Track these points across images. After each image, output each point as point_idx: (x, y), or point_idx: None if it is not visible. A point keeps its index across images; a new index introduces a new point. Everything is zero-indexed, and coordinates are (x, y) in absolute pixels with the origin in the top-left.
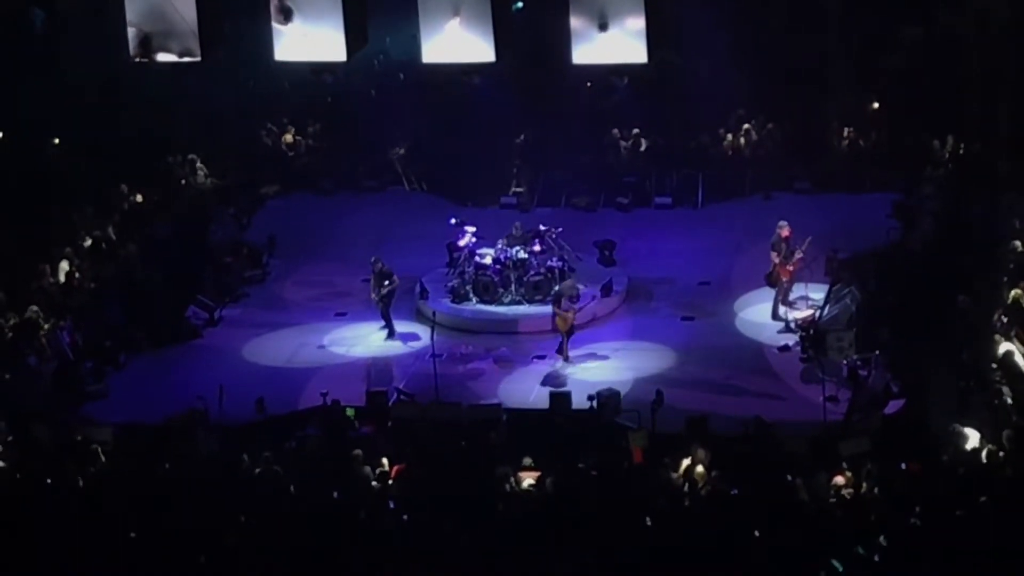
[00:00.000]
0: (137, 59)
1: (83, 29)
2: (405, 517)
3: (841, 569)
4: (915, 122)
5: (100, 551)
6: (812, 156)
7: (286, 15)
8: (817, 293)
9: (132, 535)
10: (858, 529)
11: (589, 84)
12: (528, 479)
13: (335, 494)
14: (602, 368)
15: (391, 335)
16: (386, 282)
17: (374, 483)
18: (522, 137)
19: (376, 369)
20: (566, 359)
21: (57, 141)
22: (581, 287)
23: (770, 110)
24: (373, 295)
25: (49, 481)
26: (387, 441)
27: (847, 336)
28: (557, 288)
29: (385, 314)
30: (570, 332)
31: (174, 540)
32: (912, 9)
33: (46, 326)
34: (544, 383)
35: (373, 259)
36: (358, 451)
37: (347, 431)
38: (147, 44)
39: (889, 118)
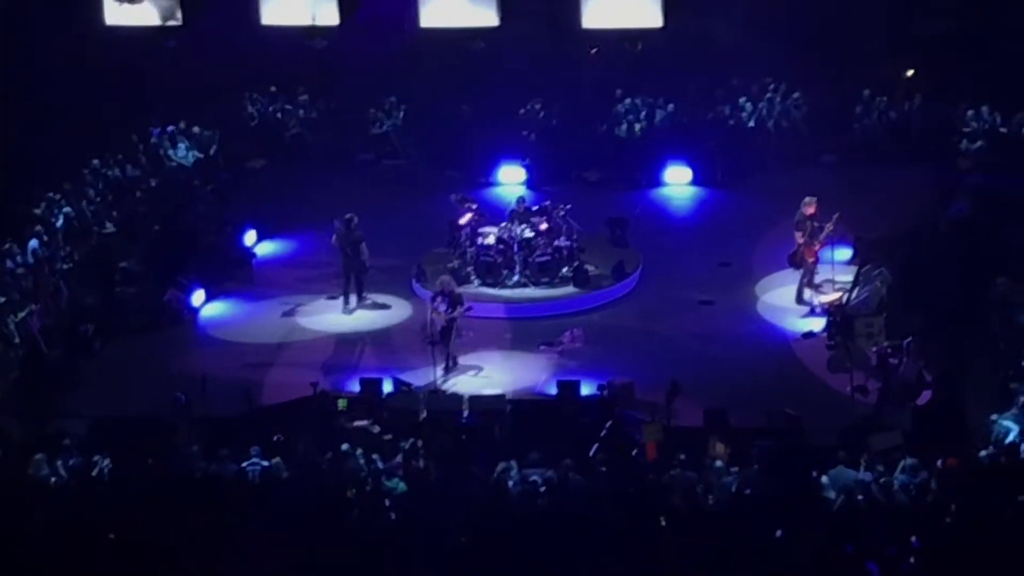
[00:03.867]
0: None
1: None
2: (393, 516)
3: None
4: (952, 91)
5: (78, 555)
6: (841, 127)
7: None
8: (845, 275)
9: (112, 537)
10: (889, 529)
11: (595, 50)
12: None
13: (327, 490)
14: (613, 355)
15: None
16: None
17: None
18: (528, 106)
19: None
20: (451, 363)
21: None
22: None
23: (795, 78)
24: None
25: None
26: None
27: (877, 321)
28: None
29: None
30: (446, 335)
31: (158, 544)
32: None
33: (15, 313)
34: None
35: (348, 216)
36: (347, 445)
37: (338, 423)
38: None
39: (925, 87)
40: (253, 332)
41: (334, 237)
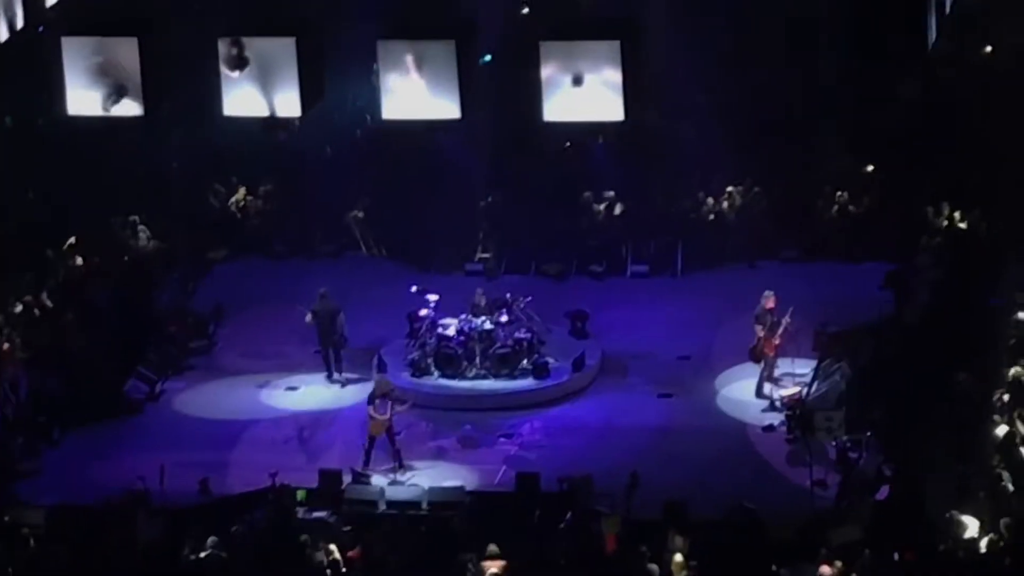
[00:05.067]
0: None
1: (14, 81)
2: None
3: None
4: (911, 187)
5: None
6: (800, 222)
7: (240, 64)
8: (804, 369)
9: None
10: None
11: (568, 144)
12: (493, 568)
13: None
14: (572, 449)
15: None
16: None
17: (327, 571)
18: (489, 199)
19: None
20: (366, 463)
21: None
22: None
23: (755, 172)
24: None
25: None
26: (341, 525)
27: (836, 416)
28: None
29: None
30: (391, 434)
31: None
32: (910, 65)
33: None
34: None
35: (322, 291)
36: (306, 536)
37: (296, 515)
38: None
39: (883, 182)
40: (213, 420)
41: (309, 316)
